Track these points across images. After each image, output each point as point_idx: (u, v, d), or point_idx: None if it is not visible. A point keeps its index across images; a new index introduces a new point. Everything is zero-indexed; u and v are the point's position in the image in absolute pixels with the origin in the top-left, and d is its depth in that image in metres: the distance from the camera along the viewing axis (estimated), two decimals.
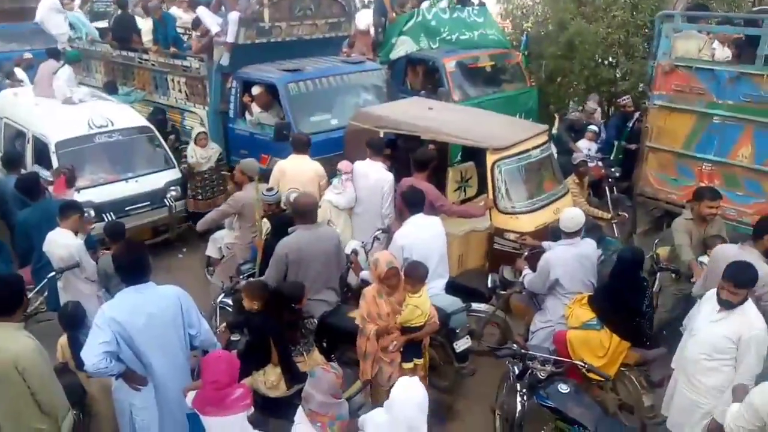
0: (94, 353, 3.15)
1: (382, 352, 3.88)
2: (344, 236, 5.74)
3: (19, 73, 10.38)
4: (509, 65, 9.68)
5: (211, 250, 6.40)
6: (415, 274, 3.90)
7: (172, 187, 7.13)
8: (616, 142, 8.16)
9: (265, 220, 5.48)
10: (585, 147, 7.94)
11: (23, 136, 7.23)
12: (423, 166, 5.58)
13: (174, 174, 7.27)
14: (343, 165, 5.88)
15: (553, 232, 5.11)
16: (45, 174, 6.39)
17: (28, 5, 15.82)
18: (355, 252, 5.18)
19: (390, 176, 5.69)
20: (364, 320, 3.98)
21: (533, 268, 4.72)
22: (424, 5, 10.10)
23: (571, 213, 4.66)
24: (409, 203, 4.92)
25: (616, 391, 4.32)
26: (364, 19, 9.57)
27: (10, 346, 3.15)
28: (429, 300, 3.99)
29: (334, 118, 7.40)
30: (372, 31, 9.62)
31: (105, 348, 3.18)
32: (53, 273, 4.74)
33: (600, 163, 7.58)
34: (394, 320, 3.91)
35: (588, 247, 4.61)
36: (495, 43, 9.84)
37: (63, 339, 4.07)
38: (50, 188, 5.89)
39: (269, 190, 5.51)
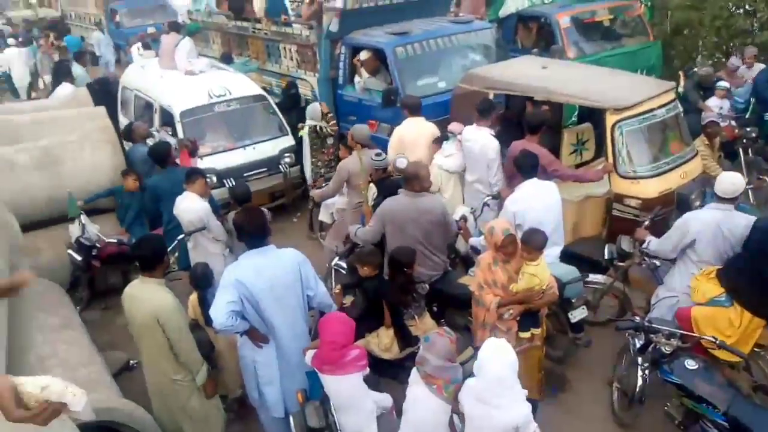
0: (221, 311, 3.36)
1: (498, 321, 3.83)
2: (454, 201, 5.71)
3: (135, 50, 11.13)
4: (630, 18, 9.01)
5: (324, 216, 6.60)
6: (534, 241, 3.77)
7: (287, 154, 7.37)
8: (753, 100, 7.40)
9: (371, 185, 5.57)
10: (716, 105, 7.28)
11: (151, 107, 7.76)
12: (536, 129, 5.35)
13: (288, 141, 7.51)
14: (454, 126, 5.81)
15: (680, 200, 4.75)
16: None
17: None
18: (464, 218, 5.11)
19: (495, 143, 5.54)
20: (480, 288, 3.93)
21: (657, 237, 4.42)
22: None
23: (731, 177, 4.15)
24: (521, 168, 4.76)
25: (750, 372, 3.99)
26: None
27: (152, 299, 3.48)
28: (548, 269, 3.85)
29: (441, 81, 7.27)
30: None
31: (231, 307, 3.38)
32: (183, 235, 5.10)
33: (733, 123, 6.92)
34: (511, 288, 3.82)
35: (740, 219, 4.07)
36: None
37: (193, 297, 4.38)
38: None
39: (377, 155, 5.56)
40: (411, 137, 6.00)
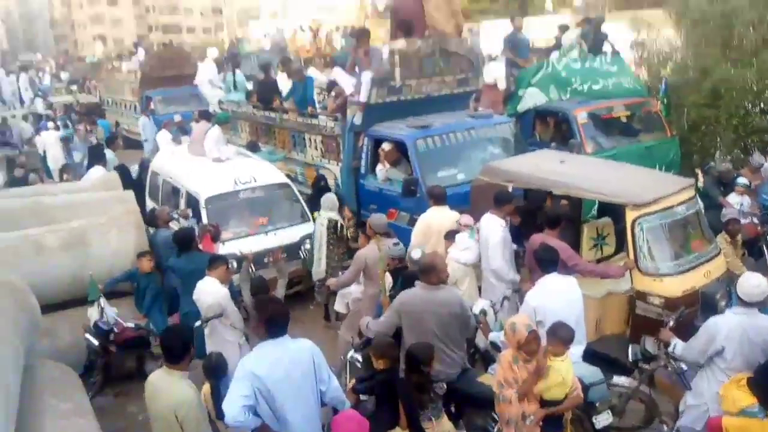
0: (234, 406, 3.29)
1: (521, 421, 3.67)
2: (470, 295, 5.65)
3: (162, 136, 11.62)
4: (647, 114, 9.21)
5: (339, 305, 6.57)
6: (561, 334, 3.68)
7: (307, 241, 7.45)
8: None
9: (387, 274, 5.57)
10: (736, 202, 7.26)
11: (178, 192, 7.98)
12: (555, 223, 5.38)
13: (309, 228, 7.60)
14: (464, 219, 5.86)
15: (704, 300, 4.65)
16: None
17: (184, 73, 17.77)
18: (483, 312, 5.03)
19: (500, 230, 5.59)
20: (501, 386, 3.81)
21: (683, 339, 4.29)
22: (554, 56, 10.00)
23: (754, 280, 4.05)
24: (542, 262, 4.74)
25: None
26: (492, 72, 9.63)
27: (174, 392, 3.46)
28: (572, 368, 3.73)
29: (461, 173, 7.41)
30: (499, 84, 9.64)
31: (244, 402, 3.31)
32: (200, 321, 5.09)
33: (755, 220, 6.87)
34: (534, 389, 3.69)
35: (766, 323, 3.99)
36: (631, 92, 9.42)
37: (206, 388, 4.30)
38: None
39: (395, 244, 5.60)
40: (436, 226, 6.06)
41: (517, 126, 8.54)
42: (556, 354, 3.67)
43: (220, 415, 3.72)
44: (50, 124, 15.31)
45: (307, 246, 7.46)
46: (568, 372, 3.64)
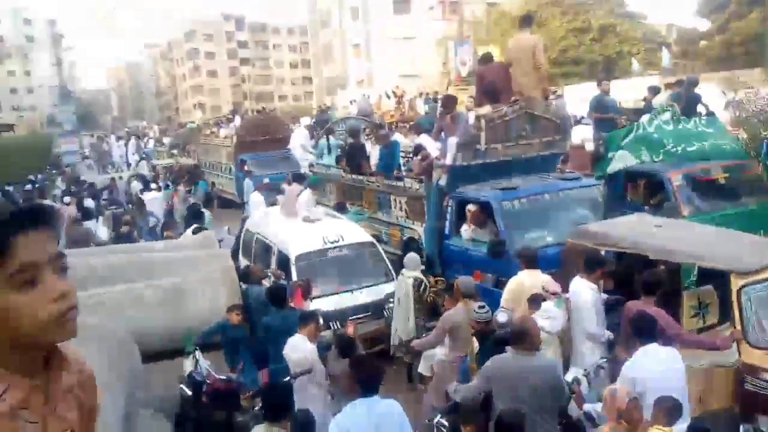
0: None
1: None
2: None
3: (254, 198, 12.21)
4: (748, 177, 8.74)
5: (423, 368, 6.49)
6: (669, 406, 3.47)
7: (391, 299, 7.49)
8: None
9: (473, 338, 5.47)
10: None
11: (270, 250, 8.32)
12: (652, 290, 5.14)
13: (393, 287, 7.65)
14: (550, 286, 5.71)
15: None
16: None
17: (276, 137, 18.80)
18: (577, 381, 4.83)
19: (589, 293, 5.38)
20: None
21: None
22: (644, 119, 9.79)
23: None
24: (639, 330, 4.52)
25: None
26: (579, 135, 9.56)
27: None
28: None
29: (549, 235, 7.30)
30: (587, 146, 9.53)
31: None
32: (289, 377, 5.19)
33: None
34: None
35: None
36: (729, 154, 8.99)
37: None
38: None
39: (481, 307, 5.53)
40: (528, 289, 5.94)
41: (606, 188, 8.35)
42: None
43: None
44: (153, 185, 16.54)
45: (391, 305, 7.51)
46: None
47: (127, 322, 5.89)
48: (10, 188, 16.94)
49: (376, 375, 3.61)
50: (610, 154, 9.19)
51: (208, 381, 5.95)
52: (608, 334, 5.43)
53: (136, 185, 17.19)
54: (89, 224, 11.53)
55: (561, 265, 6.37)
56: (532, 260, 6.12)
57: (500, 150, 8.03)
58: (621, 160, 9.11)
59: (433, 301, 7.06)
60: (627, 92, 16.16)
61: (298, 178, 9.80)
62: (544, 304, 5.66)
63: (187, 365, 6.06)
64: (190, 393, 5.90)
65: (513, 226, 7.22)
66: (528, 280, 6.01)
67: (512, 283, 6.13)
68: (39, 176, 21.50)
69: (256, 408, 5.56)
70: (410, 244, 8.29)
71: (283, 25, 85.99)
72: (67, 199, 14.75)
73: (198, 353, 6.03)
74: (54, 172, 24.68)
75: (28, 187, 18.00)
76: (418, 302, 6.85)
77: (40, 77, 65.16)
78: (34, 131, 40.45)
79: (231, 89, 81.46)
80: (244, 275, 7.40)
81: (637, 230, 6.08)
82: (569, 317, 5.58)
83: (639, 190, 8.91)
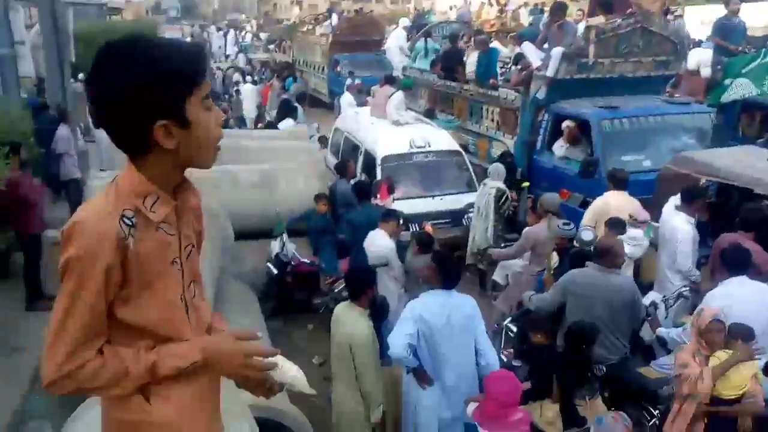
0: (400, 341, 3.52)
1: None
2: None
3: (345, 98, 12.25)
4: None
5: (498, 276, 6.58)
6: (741, 331, 3.42)
7: (471, 209, 7.52)
8: None
9: (554, 253, 5.47)
10: None
11: (357, 149, 8.45)
12: (752, 225, 4.87)
13: (474, 197, 7.66)
14: (641, 215, 5.54)
15: None
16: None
17: (372, 39, 18.50)
18: (654, 305, 4.77)
19: (687, 229, 5.13)
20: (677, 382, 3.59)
21: None
22: None
23: None
24: (730, 262, 4.33)
25: None
26: (696, 58, 8.83)
27: (351, 325, 3.83)
28: (757, 370, 3.43)
29: (647, 160, 6.95)
30: (703, 71, 8.81)
31: (408, 339, 3.53)
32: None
33: None
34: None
35: None
36: None
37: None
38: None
39: (566, 224, 5.47)
40: (614, 211, 5.79)
41: (718, 117, 7.78)
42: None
43: (381, 353, 4.00)
44: (248, 77, 16.91)
45: (470, 214, 7.54)
46: (749, 372, 3.35)
47: (223, 200, 6.29)
48: None
49: (456, 270, 3.76)
50: (727, 81, 8.49)
51: (292, 263, 6.35)
52: (697, 274, 5.25)
53: (236, 76, 17.60)
54: None
55: (655, 191, 6.12)
56: (622, 182, 5.90)
57: (608, 65, 7.56)
58: (740, 89, 8.40)
59: (511, 214, 7.01)
60: (757, 16, 14.54)
61: (390, 80, 9.71)
62: (631, 231, 5.52)
63: (275, 247, 6.46)
64: (275, 272, 6.33)
65: (610, 146, 6.91)
66: (614, 202, 5.83)
67: (598, 203, 5.97)
68: None
69: (335, 291, 5.92)
70: (503, 158, 8.11)
71: None
72: None
73: (285, 236, 6.39)
74: None
75: None
76: (497, 213, 6.86)
77: None
78: (140, 16, 41.75)
79: None
80: (341, 168, 7.55)
81: (745, 162, 5.69)
82: (657, 244, 5.44)
83: (754, 123, 8.26)
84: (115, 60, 1.33)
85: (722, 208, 5.96)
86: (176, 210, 1.45)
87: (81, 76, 12.08)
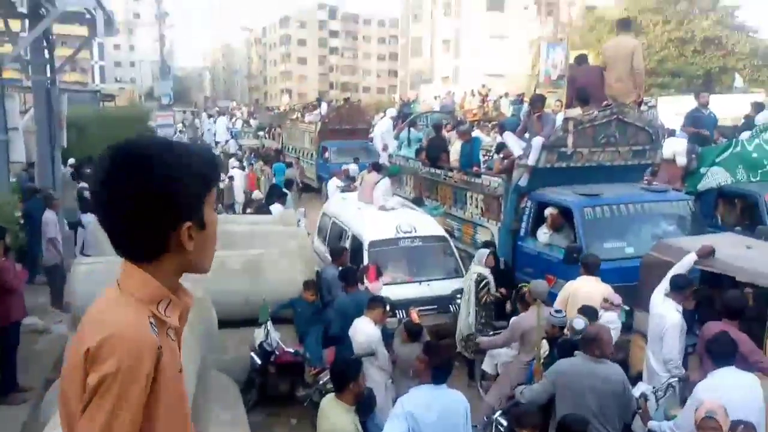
0: None
1: None
2: None
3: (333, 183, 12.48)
4: None
5: (487, 365, 6.49)
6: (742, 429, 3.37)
7: (459, 296, 7.50)
8: None
9: (544, 342, 5.43)
10: None
11: (344, 234, 8.52)
12: (736, 313, 4.91)
13: (461, 283, 7.65)
14: (611, 296, 5.62)
15: None
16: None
17: (359, 127, 19.09)
18: (644, 397, 4.70)
19: (676, 318, 5.13)
20: None
21: None
22: (744, 135, 9.27)
23: None
24: (715, 353, 4.32)
25: None
26: (671, 147, 9.18)
27: (335, 422, 3.76)
28: None
29: (629, 247, 7.07)
30: (678, 160, 9.12)
31: None
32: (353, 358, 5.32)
33: None
34: None
35: None
36: None
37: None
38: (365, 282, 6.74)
39: (557, 311, 5.47)
40: (583, 297, 5.81)
41: (696, 205, 7.99)
42: None
43: None
44: (237, 163, 17.22)
45: (458, 301, 7.52)
46: None
47: (208, 286, 6.22)
48: None
49: (448, 364, 3.71)
50: (702, 170, 8.80)
51: (276, 352, 6.21)
52: (680, 367, 5.21)
53: (233, 161, 17.86)
54: None
55: (639, 278, 6.18)
56: (594, 267, 5.99)
57: (587, 154, 7.83)
58: (715, 177, 8.70)
59: (489, 302, 6.94)
60: (726, 108, 15.28)
61: (377, 167, 9.95)
62: (606, 314, 5.55)
63: (259, 335, 6.34)
64: (259, 362, 6.18)
65: (592, 233, 7.03)
66: (585, 287, 5.88)
67: (568, 287, 6.01)
68: None
69: (320, 383, 5.76)
70: (486, 246, 8.17)
71: (374, 16, 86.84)
72: None
73: (270, 325, 6.29)
74: None
75: None
76: (477, 298, 6.84)
77: (143, 52, 69.07)
78: (133, 103, 42.84)
79: (318, 77, 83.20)
80: (338, 252, 7.52)
81: (725, 251, 5.80)
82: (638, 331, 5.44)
83: (731, 210, 8.48)
84: (137, 163, 1.31)
85: (706, 296, 6.00)
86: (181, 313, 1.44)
87: (71, 161, 12.25)
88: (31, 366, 6.44)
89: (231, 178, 14.98)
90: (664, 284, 5.37)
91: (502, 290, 7.11)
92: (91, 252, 8.18)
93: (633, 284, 6.13)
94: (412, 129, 12.91)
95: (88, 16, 9.23)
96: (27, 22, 11.65)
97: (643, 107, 12.05)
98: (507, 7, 43.85)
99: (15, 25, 11.47)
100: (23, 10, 11.99)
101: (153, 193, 1.30)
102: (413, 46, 55.02)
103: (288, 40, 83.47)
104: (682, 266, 5.48)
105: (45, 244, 8.26)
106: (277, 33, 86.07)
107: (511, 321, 5.95)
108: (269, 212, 10.26)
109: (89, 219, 9.28)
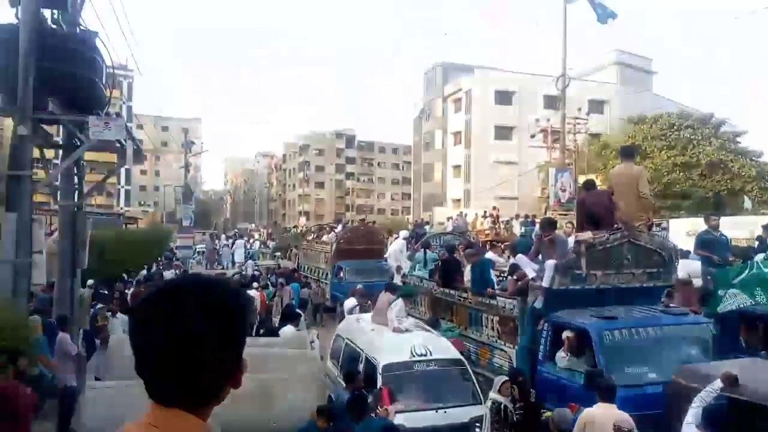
0: None
1: None
2: None
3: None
4: None
5: None
6: None
7: (477, 424, 7.20)
8: None
9: None
10: None
11: (358, 357, 8.37)
12: None
13: (479, 410, 7.39)
14: (623, 422, 5.29)
15: None
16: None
17: (374, 247, 19.35)
18: None
19: None
20: None
21: None
22: (759, 257, 9.29)
23: None
24: None
25: None
26: (685, 268, 9.17)
27: None
28: None
29: (651, 372, 6.85)
30: (696, 281, 9.08)
31: None
32: None
33: None
34: None
35: None
36: None
37: None
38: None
39: None
40: (599, 427, 5.53)
41: (716, 328, 7.83)
42: None
43: None
44: (254, 284, 17.33)
45: (477, 430, 7.20)
46: None
47: (216, 411, 6.07)
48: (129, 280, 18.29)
49: None
50: (720, 292, 8.70)
51: None
52: None
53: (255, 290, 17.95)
54: None
55: (664, 405, 5.94)
56: (611, 393, 5.71)
57: (601, 277, 7.84)
58: (734, 300, 8.57)
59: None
60: (736, 229, 15.40)
61: (391, 288, 9.97)
62: None
63: None
64: None
65: (612, 357, 6.85)
66: (600, 415, 5.59)
67: (584, 416, 5.71)
68: (155, 268, 23.17)
69: None
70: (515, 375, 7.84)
71: (389, 144, 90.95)
72: None
73: None
74: (166, 261, 26.57)
75: (143, 275, 19.48)
76: (497, 428, 6.55)
77: (168, 177, 72.12)
78: (155, 225, 44.13)
79: (335, 200, 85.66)
80: (350, 376, 7.37)
81: (755, 377, 5.61)
82: None
83: (754, 333, 8.27)
84: (221, 309, 1.29)
85: (738, 425, 5.71)
86: None
87: (90, 282, 12.43)
88: None
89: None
90: (694, 415, 5.14)
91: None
92: (109, 377, 8.09)
93: (655, 413, 5.88)
94: (427, 250, 13.07)
95: (117, 144, 9.81)
96: (60, 150, 12.41)
97: (655, 229, 12.23)
98: (514, 135, 45.86)
99: (49, 153, 12.17)
100: (58, 139, 12.84)
101: (236, 338, 1.30)
102: (425, 171, 57.01)
103: (307, 166, 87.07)
104: (708, 394, 5.29)
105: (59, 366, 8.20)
106: (296, 159, 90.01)
107: None
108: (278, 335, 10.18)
109: (118, 345, 9.29)
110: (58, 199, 11.51)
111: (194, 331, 1.24)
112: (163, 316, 1.25)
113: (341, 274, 17.93)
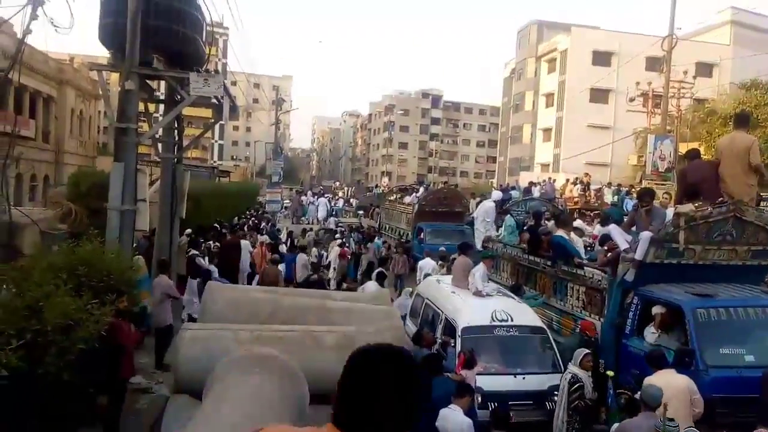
0: None
1: None
2: None
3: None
4: None
5: None
6: None
7: (556, 392, 7.12)
8: None
9: None
10: None
11: (437, 317, 8.44)
12: None
13: (559, 380, 7.27)
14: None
15: None
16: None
17: (455, 210, 19.23)
18: None
19: None
20: None
21: None
22: None
23: None
24: None
25: None
26: None
27: None
28: None
29: (749, 355, 6.47)
30: None
31: None
32: None
33: None
34: None
35: None
36: None
37: None
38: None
39: (670, 420, 5.04)
40: (672, 392, 5.33)
41: None
42: None
43: None
44: (338, 241, 17.77)
45: (555, 398, 7.11)
46: None
47: (303, 361, 6.33)
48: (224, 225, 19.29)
49: None
50: None
51: None
52: None
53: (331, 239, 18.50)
54: (282, 267, 12.68)
55: (761, 391, 5.61)
56: (659, 361, 5.78)
57: (700, 252, 7.40)
58: None
59: (581, 406, 6.46)
60: None
61: (465, 248, 9.85)
62: None
63: None
64: None
65: (706, 336, 6.53)
66: (668, 382, 5.42)
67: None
68: (249, 218, 24.20)
69: None
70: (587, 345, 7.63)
71: (476, 105, 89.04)
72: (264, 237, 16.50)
73: None
74: (257, 213, 27.70)
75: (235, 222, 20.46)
76: (574, 400, 6.43)
77: (258, 134, 74.44)
78: (246, 179, 45.86)
79: (418, 161, 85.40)
80: (417, 338, 7.52)
81: None
82: None
83: None
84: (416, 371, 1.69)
85: None
86: None
87: (188, 231, 13.18)
88: (130, 424, 6.74)
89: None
90: None
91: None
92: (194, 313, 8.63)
93: (751, 396, 5.58)
94: (513, 215, 12.83)
95: (214, 101, 10.17)
96: (162, 106, 13.07)
97: (763, 204, 11.36)
98: (611, 98, 43.54)
99: (152, 107, 12.84)
100: (160, 94, 13.49)
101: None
102: (513, 134, 55.51)
103: (391, 126, 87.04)
104: None
105: (159, 306, 8.84)
106: (382, 119, 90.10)
107: (613, 428, 5.52)
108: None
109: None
110: (160, 151, 12.20)
111: (416, 395, 1.62)
112: (395, 377, 1.62)
113: (422, 236, 18.00)
